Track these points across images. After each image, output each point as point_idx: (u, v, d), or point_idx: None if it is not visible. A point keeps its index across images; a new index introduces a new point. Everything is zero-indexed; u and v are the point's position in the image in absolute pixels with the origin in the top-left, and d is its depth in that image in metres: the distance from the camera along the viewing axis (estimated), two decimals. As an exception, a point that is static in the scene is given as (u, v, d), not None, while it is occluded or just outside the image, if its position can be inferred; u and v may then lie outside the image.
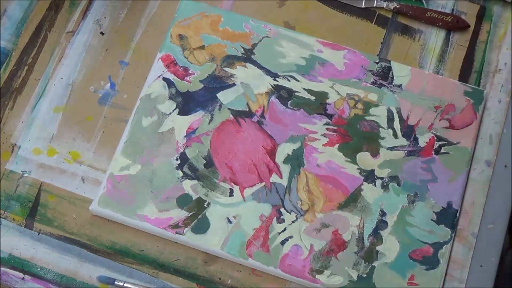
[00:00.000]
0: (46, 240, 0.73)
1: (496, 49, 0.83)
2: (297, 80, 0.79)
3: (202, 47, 0.81)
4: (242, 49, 0.80)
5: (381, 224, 0.74)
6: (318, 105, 0.78)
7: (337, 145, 0.77)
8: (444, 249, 0.73)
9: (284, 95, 0.78)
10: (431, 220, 0.74)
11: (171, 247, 0.73)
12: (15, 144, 0.77)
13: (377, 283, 0.72)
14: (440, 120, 0.78)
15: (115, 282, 0.71)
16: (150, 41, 0.81)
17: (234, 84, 0.79)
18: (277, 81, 0.79)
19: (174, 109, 0.77)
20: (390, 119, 0.78)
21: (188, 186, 0.74)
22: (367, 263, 0.72)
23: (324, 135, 0.77)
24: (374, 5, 0.84)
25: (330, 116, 0.78)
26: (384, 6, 0.84)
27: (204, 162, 0.75)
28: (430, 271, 0.73)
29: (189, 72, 0.79)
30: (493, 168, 0.77)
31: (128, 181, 0.74)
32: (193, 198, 0.74)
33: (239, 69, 0.80)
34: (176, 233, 0.72)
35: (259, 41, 0.81)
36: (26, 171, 0.76)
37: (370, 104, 0.79)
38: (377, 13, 0.85)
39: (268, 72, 0.79)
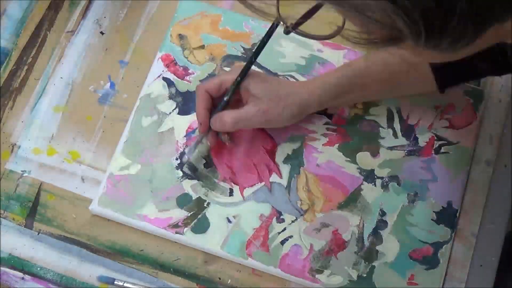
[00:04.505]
0: (46, 240, 0.73)
1: (496, 48, 0.83)
2: (297, 80, 0.79)
3: (202, 47, 0.81)
4: (242, 49, 0.80)
5: (381, 223, 0.74)
6: (318, 104, 0.78)
7: (337, 145, 0.77)
8: (444, 248, 0.73)
9: (284, 94, 0.78)
10: (431, 219, 0.74)
11: (171, 247, 0.73)
12: (15, 144, 0.77)
13: (377, 282, 0.72)
14: (440, 119, 0.78)
15: (115, 282, 0.71)
16: (150, 40, 0.81)
17: (234, 84, 0.79)
18: (277, 80, 0.79)
19: (174, 109, 0.77)
20: (390, 119, 0.78)
21: (188, 186, 0.74)
22: (367, 262, 0.72)
23: (324, 135, 0.77)
24: None
25: (330, 116, 0.78)
26: None
27: (204, 162, 0.75)
28: (430, 270, 0.73)
29: (189, 71, 0.79)
30: (493, 168, 0.77)
31: (128, 181, 0.74)
32: (193, 198, 0.74)
33: (239, 68, 0.79)
34: (176, 233, 0.72)
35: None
36: (26, 171, 0.75)
37: (370, 104, 0.78)
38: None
39: (268, 72, 0.79)
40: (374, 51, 0.67)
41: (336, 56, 0.80)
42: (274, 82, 0.72)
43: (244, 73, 0.70)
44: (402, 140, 0.77)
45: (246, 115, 0.70)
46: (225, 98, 0.70)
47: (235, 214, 0.73)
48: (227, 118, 0.69)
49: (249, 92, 0.70)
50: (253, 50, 0.70)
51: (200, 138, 0.72)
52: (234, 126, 0.70)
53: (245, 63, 0.70)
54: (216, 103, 0.71)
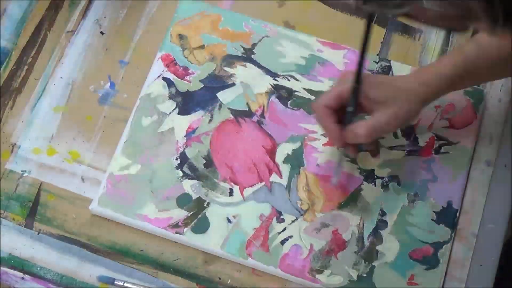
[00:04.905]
0: (46, 240, 0.73)
1: (496, 48, 0.83)
2: (297, 80, 0.79)
3: (202, 47, 0.81)
4: (242, 49, 0.80)
5: (381, 223, 0.74)
6: (318, 104, 0.78)
7: (337, 145, 0.77)
8: (444, 248, 0.73)
9: (284, 94, 0.78)
10: (431, 219, 0.74)
11: (171, 247, 0.73)
12: (15, 144, 0.77)
13: (377, 282, 0.72)
14: (440, 119, 0.78)
15: (115, 282, 0.71)
16: (150, 40, 0.81)
17: (234, 84, 0.79)
18: (277, 80, 0.79)
19: (174, 109, 0.77)
20: (390, 119, 0.78)
21: (188, 185, 0.74)
22: (367, 262, 0.72)
23: (324, 135, 0.77)
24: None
25: (330, 116, 0.78)
26: None
27: (204, 162, 0.75)
28: (430, 270, 0.72)
29: (189, 71, 0.79)
30: (493, 168, 0.77)
31: (128, 181, 0.74)
32: (193, 198, 0.74)
33: (239, 68, 0.80)
34: (176, 232, 0.72)
35: (259, 40, 0.81)
36: (26, 171, 0.75)
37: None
38: (377, 12, 0.84)
39: (268, 72, 0.79)
40: (481, 35, 0.66)
41: (336, 56, 0.80)
42: (388, 82, 0.69)
43: (358, 78, 0.67)
44: (402, 140, 0.77)
45: (379, 124, 0.68)
46: (350, 109, 0.68)
47: (235, 214, 0.73)
48: (360, 131, 0.67)
49: (369, 99, 0.68)
50: (359, 50, 0.65)
51: (340, 156, 0.72)
52: (369, 138, 0.68)
53: (354, 70, 0.67)
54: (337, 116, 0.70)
